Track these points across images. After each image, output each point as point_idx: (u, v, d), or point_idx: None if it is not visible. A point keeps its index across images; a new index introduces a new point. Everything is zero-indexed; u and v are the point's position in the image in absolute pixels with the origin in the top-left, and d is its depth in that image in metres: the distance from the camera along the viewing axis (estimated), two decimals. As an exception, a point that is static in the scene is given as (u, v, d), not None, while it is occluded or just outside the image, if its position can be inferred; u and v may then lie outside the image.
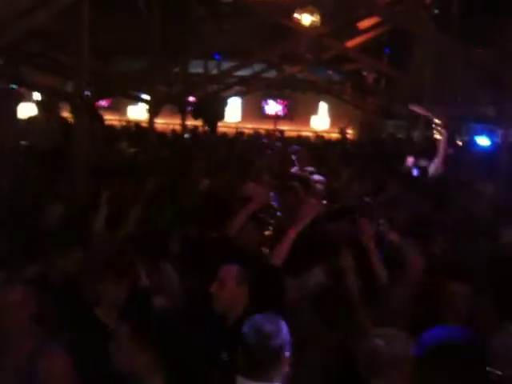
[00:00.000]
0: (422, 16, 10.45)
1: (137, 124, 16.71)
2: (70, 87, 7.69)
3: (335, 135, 19.07)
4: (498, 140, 10.88)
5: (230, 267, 3.18)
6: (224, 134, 15.51)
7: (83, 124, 6.71)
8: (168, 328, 2.68)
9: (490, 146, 12.11)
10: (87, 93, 7.34)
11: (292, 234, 3.66)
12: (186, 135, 14.16)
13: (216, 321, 3.11)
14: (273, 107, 21.59)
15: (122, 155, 9.78)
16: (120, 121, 18.90)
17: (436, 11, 11.47)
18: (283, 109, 21.54)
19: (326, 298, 3.17)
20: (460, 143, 14.22)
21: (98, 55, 7.91)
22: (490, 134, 13.10)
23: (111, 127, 15.38)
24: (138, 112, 19.19)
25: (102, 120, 11.16)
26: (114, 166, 7.33)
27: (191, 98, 13.50)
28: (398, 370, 2.42)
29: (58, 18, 5.33)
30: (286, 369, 2.37)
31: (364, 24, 11.81)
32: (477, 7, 10.93)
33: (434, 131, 14.98)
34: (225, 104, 13.20)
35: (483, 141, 13.24)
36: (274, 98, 21.30)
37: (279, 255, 3.63)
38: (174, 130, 15.43)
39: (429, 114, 11.05)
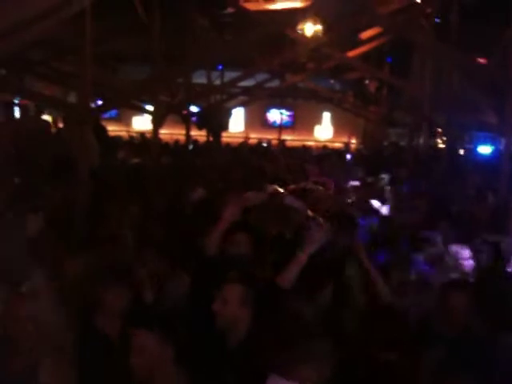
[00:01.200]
0: (423, 25, 10.52)
1: (142, 134, 16.79)
2: (73, 98, 7.72)
3: (339, 145, 19.14)
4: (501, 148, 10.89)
5: (234, 286, 3.05)
6: (228, 144, 15.59)
7: (87, 135, 6.72)
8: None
9: (491, 154, 12.13)
10: (92, 104, 7.38)
11: (303, 258, 3.38)
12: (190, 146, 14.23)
13: (217, 341, 2.99)
14: (276, 117, 21.67)
15: (121, 165, 9.80)
16: (127, 132, 19.00)
17: (436, 20, 11.56)
18: (288, 118, 21.59)
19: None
20: (462, 152, 14.26)
21: (100, 65, 7.98)
22: (493, 143, 13.13)
23: (114, 138, 15.45)
24: (143, 123, 19.28)
25: (105, 131, 11.21)
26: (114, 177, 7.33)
27: (194, 109, 13.57)
28: None
29: (60, 28, 5.39)
30: None
31: (366, 34, 11.87)
32: (476, 16, 11.01)
33: (438, 139, 15.02)
34: (229, 114, 13.28)
35: (485, 149, 13.27)
36: (277, 108, 21.39)
37: (287, 278, 3.34)
38: (176, 140, 15.50)
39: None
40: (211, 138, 13.24)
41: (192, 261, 3.91)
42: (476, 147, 13.87)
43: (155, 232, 4.88)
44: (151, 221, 5.15)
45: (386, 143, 17.32)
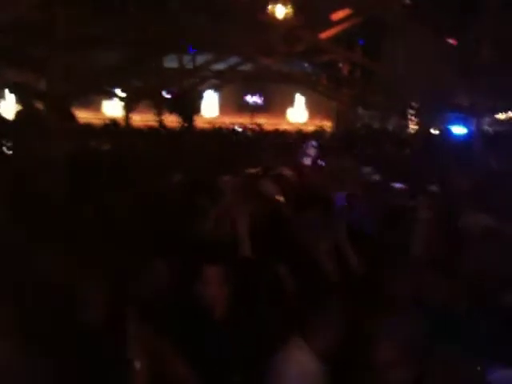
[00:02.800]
0: (393, 6, 10.55)
1: (114, 121, 16.53)
2: (43, 85, 7.57)
3: (313, 128, 19.16)
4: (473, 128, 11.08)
5: (213, 267, 3.18)
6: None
7: (56, 123, 6.60)
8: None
9: (465, 135, 12.29)
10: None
11: None
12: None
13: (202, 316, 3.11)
14: (249, 100, 21.59)
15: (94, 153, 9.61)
16: (98, 119, 18.65)
17: (407, 1, 11.59)
18: (260, 99, 21.53)
19: None
20: (436, 132, 14.42)
21: (71, 49, 7.82)
22: (465, 124, 13.30)
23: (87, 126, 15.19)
24: (113, 108, 18.95)
25: (74, 119, 11.03)
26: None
27: (167, 93, 13.45)
28: None
29: (32, 11, 5.25)
30: None
31: (337, 15, 11.86)
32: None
33: (409, 121, 15.19)
34: (201, 98, 13.20)
35: (459, 130, 13.43)
36: (251, 91, 21.30)
37: None
38: (150, 127, 15.34)
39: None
40: (185, 124, 13.16)
41: (176, 245, 3.94)
42: (449, 128, 14.04)
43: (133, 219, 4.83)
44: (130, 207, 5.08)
45: (358, 125, 17.40)
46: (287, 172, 7.67)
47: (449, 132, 13.65)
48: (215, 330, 3.01)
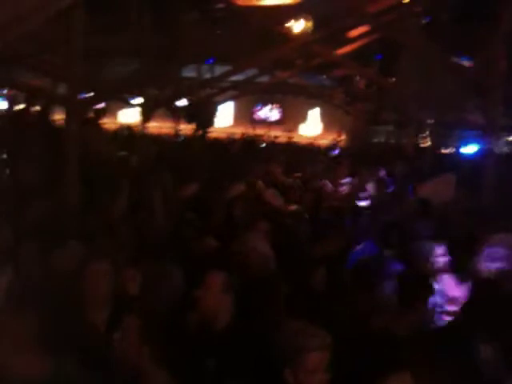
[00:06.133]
0: (411, 25, 10.61)
1: (129, 127, 16.74)
2: (62, 90, 7.68)
3: (327, 141, 19.20)
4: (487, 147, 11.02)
5: (217, 273, 3.20)
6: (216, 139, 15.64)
7: (76, 128, 6.69)
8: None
9: (475, 154, 12.26)
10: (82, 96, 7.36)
11: None
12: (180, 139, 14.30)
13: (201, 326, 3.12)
14: (264, 112, 21.70)
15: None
16: (114, 124, 18.88)
17: (426, 20, 11.64)
18: (277, 113, 21.62)
19: None
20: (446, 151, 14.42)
21: (89, 58, 7.98)
22: (478, 142, 13.25)
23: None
24: (129, 116, 19.19)
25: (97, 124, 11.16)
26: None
27: (183, 103, 13.59)
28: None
29: (51, 20, 5.38)
30: None
31: (355, 32, 11.94)
32: (466, 16, 11.10)
33: (422, 139, 15.15)
34: (215, 110, 13.31)
35: (470, 149, 13.39)
36: (266, 104, 21.41)
37: None
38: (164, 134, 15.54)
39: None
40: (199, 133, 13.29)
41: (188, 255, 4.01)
42: (460, 147, 14.02)
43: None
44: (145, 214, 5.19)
45: (374, 140, 17.43)
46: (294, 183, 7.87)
47: (459, 151, 13.64)
48: (216, 343, 2.96)
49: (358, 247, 4.75)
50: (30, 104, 9.35)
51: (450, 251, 4.34)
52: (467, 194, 7.37)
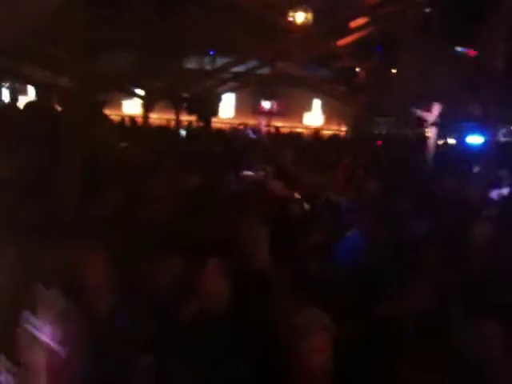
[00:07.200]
0: (411, 17, 10.63)
1: (132, 118, 16.80)
2: (63, 82, 7.71)
3: (329, 132, 19.25)
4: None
5: (214, 260, 3.28)
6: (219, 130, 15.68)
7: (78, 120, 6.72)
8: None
9: (480, 145, 12.31)
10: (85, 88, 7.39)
11: None
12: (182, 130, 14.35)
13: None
14: (266, 103, 21.72)
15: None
16: (117, 115, 18.95)
17: (426, 10, 11.65)
18: (277, 104, 21.64)
19: None
20: (450, 141, 14.46)
21: (92, 50, 8.03)
22: (483, 133, 13.30)
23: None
24: (133, 107, 19.26)
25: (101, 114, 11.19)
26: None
27: (185, 94, 13.64)
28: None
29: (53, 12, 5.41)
30: None
31: (355, 23, 11.97)
32: (466, 8, 11.12)
33: (425, 129, 15.19)
34: (219, 100, 13.34)
35: (475, 139, 13.43)
36: (267, 95, 21.42)
37: None
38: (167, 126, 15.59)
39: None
40: (201, 124, 13.36)
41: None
42: (464, 138, 14.06)
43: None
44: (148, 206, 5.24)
45: (376, 132, 17.48)
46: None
47: (464, 142, 13.68)
48: (215, 327, 3.02)
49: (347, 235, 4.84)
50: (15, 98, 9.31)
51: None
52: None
